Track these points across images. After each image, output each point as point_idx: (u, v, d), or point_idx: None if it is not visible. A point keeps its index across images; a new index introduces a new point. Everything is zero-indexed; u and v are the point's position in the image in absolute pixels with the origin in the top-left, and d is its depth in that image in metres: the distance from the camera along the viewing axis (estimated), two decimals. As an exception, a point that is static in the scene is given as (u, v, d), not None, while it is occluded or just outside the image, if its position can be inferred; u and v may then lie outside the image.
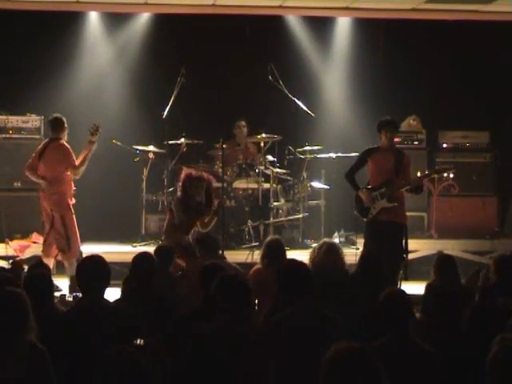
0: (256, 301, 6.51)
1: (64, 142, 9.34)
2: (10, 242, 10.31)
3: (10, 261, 8.83)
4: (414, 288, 7.23)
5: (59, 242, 9.18)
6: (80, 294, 5.61)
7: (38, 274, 5.86)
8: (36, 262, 7.22)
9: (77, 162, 9.24)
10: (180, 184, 9.37)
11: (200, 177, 9.24)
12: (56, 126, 9.39)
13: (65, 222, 9.20)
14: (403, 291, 5.13)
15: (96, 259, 5.37)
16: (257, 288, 6.40)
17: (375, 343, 4.52)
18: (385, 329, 4.75)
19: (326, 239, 7.65)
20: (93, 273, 5.21)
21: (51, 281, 5.83)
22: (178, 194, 9.43)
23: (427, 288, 5.57)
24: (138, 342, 4.61)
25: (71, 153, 9.30)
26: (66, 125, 9.39)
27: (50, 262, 9.04)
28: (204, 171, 9.80)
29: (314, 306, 5.12)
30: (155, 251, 7.15)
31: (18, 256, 9.93)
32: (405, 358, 4.53)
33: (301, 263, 5.47)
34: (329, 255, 6.87)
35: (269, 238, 7.66)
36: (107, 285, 5.25)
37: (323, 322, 5.02)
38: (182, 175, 9.43)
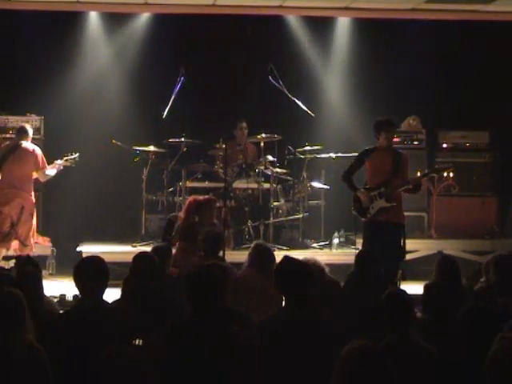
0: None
1: None
2: (9, 242, 10.29)
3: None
4: (414, 288, 7.22)
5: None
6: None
7: (28, 272, 5.87)
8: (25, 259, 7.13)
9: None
10: (187, 211, 8.76)
11: (209, 199, 9.05)
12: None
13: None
14: (404, 291, 5.12)
15: (94, 260, 5.34)
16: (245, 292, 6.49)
17: (377, 343, 4.51)
18: (386, 329, 4.75)
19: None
20: (91, 274, 5.16)
21: (41, 278, 5.85)
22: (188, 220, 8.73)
23: (425, 288, 5.58)
24: (137, 342, 4.62)
25: None
26: None
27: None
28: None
29: (310, 307, 4.95)
30: (152, 251, 7.15)
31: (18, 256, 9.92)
32: (406, 357, 4.53)
33: (297, 262, 5.22)
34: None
35: (254, 242, 7.70)
36: (105, 286, 5.20)
37: (316, 324, 4.85)
38: (188, 202, 8.89)
